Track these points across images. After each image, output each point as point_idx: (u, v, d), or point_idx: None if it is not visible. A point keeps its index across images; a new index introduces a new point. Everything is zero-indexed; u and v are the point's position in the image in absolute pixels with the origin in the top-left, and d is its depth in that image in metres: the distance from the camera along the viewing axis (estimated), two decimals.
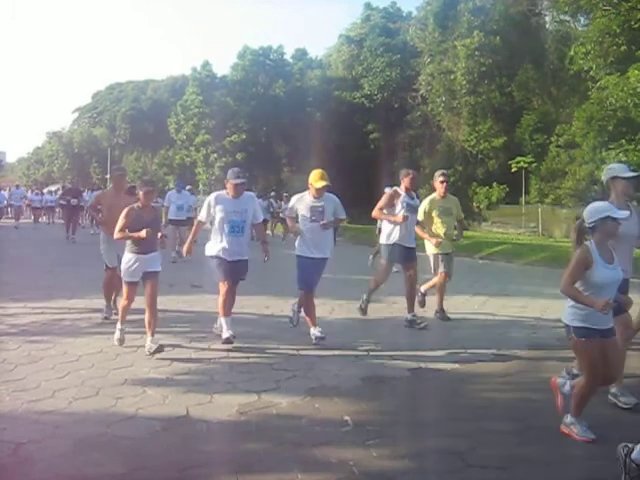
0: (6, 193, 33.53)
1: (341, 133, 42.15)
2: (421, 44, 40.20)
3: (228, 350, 6.92)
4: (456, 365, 6.61)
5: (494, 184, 35.09)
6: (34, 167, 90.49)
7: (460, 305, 10.43)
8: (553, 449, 4.41)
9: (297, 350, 6.98)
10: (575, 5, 28.67)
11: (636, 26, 25.46)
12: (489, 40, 33.93)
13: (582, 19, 33.39)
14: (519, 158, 32.84)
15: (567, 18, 34.24)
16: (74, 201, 22.57)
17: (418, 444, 4.42)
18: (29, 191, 39.91)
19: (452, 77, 35.84)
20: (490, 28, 34.51)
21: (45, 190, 41.08)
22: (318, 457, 4.13)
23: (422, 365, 6.53)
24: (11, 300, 9.82)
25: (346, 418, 4.89)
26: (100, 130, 77.79)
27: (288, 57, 48.33)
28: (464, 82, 34.99)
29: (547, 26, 37.10)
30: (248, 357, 6.62)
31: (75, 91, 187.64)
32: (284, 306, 9.85)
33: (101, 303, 9.54)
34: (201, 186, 45.72)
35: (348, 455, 4.19)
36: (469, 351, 7.19)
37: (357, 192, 36.00)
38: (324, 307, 9.83)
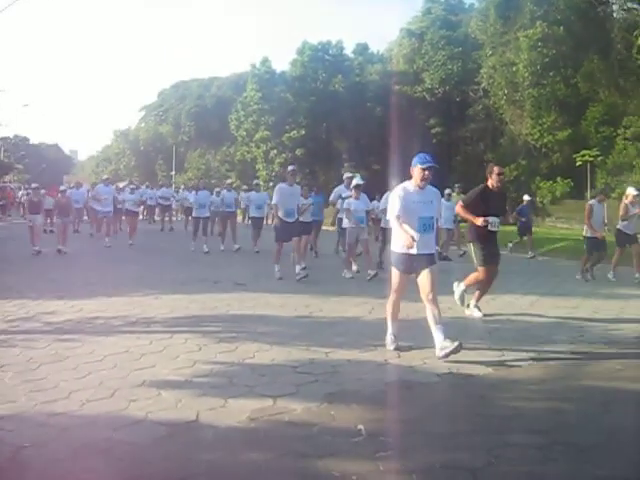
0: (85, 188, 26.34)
1: (402, 128, 41.68)
2: (482, 36, 39.51)
3: (255, 351, 6.75)
4: (489, 370, 6.24)
5: (558, 178, 34.19)
6: (102, 165, 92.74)
7: (507, 305, 10.06)
8: (576, 467, 4.06)
9: (326, 353, 6.72)
10: None
11: None
12: (552, 30, 33.02)
13: None
14: (584, 151, 31.85)
15: (635, 6, 33.06)
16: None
17: (430, 458, 4.13)
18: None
19: (514, 69, 35.09)
20: (553, 18, 33.57)
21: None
22: (320, 469, 3.88)
23: (453, 370, 6.18)
24: (55, 297, 9.98)
25: (360, 427, 4.61)
26: (165, 127, 79.18)
27: (348, 52, 48.15)
28: (527, 74, 34.20)
29: (614, 15, 35.85)
30: (273, 359, 6.43)
31: (142, 90, 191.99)
32: (323, 306, 9.70)
33: (139, 302, 9.65)
34: (261, 182, 45.73)
35: (353, 468, 3.92)
36: (507, 355, 6.82)
37: None
38: (364, 306, 9.61)
